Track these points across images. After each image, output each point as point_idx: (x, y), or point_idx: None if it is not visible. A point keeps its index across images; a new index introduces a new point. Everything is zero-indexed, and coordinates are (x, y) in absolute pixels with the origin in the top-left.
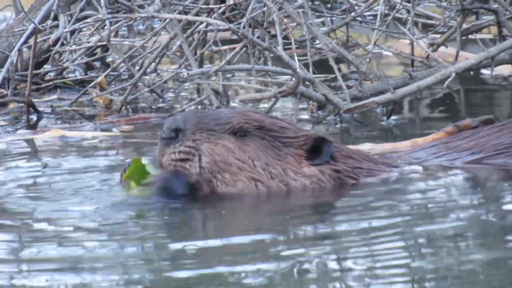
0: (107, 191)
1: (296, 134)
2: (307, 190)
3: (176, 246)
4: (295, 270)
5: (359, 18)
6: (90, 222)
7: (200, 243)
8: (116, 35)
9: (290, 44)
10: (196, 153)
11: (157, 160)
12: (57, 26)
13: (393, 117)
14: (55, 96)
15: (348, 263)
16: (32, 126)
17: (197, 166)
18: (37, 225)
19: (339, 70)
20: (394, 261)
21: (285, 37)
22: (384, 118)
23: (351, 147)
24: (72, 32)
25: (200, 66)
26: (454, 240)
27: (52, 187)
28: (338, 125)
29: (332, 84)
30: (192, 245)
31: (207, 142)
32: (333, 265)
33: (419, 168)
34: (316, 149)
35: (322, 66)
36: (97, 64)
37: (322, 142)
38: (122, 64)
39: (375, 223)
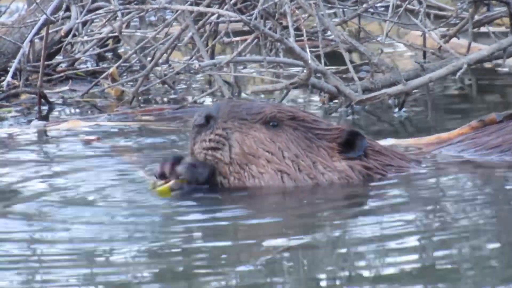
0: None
1: (330, 127)
2: (333, 184)
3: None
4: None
5: (371, 10)
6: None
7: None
8: (127, 26)
9: (302, 35)
10: (226, 143)
11: (189, 147)
12: (69, 17)
13: (404, 109)
14: (66, 87)
15: (367, 261)
16: (44, 117)
17: (227, 156)
18: (59, 221)
19: (351, 61)
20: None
21: (297, 29)
22: (396, 109)
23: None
24: (84, 23)
25: (212, 57)
26: (483, 237)
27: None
28: (349, 117)
29: (344, 75)
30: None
31: (238, 132)
32: (350, 260)
33: (450, 165)
34: (349, 143)
35: (333, 57)
36: (109, 55)
37: (355, 136)
38: (134, 55)
39: (400, 219)
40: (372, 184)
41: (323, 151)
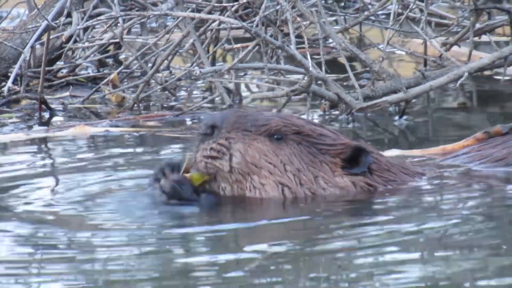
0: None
1: (335, 142)
2: (332, 197)
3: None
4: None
5: (372, 17)
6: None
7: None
8: (129, 33)
9: (303, 42)
10: (227, 152)
11: (193, 154)
12: (70, 23)
13: (405, 117)
14: (67, 93)
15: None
16: (45, 123)
17: (227, 165)
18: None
19: (353, 67)
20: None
21: (298, 36)
22: (397, 117)
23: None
24: (85, 29)
25: (213, 64)
26: (485, 251)
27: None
28: (350, 124)
29: (345, 83)
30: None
31: (241, 142)
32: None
33: (454, 179)
34: (353, 159)
35: (334, 65)
36: (110, 61)
37: (360, 152)
38: (135, 62)
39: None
40: (372, 198)
41: (326, 166)
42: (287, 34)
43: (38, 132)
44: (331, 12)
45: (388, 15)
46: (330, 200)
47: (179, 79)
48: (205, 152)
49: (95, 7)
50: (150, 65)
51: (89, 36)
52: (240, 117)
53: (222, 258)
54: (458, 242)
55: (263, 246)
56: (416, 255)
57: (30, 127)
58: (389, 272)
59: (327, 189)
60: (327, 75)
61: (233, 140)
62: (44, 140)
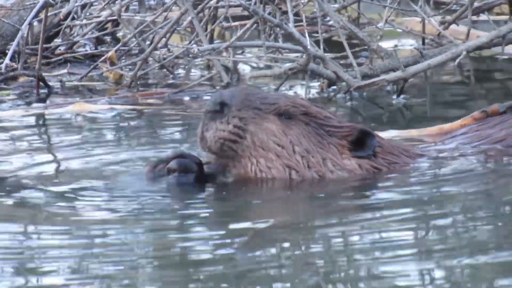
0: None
1: (341, 124)
2: (335, 180)
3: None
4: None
5: None
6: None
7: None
8: (127, 10)
9: (301, 21)
10: (243, 135)
11: (197, 133)
12: (68, 0)
13: (403, 95)
14: (65, 71)
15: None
16: (42, 100)
17: (243, 148)
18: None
19: (352, 46)
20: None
21: (296, 14)
22: (394, 96)
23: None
24: (83, 6)
25: (211, 42)
26: (485, 232)
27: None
28: (348, 103)
29: (343, 61)
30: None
31: (254, 123)
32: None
33: (454, 160)
34: (359, 142)
35: (333, 43)
36: (108, 38)
37: (366, 135)
38: (133, 39)
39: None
40: (377, 179)
41: (334, 148)
42: (285, 12)
43: (37, 109)
44: None
45: None
46: (338, 182)
47: (177, 57)
48: (222, 133)
49: None
50: (148, 42)
51: (87, 14)
52: (249, 94)
53: (226, 241)
54: (457, 220)
55: (270, 228)
56: (417, 234)
57: (28, 104)
58: (392, 250)
59: (335, 172)
60: (325, 54)
61: (245, 120)
62: (42, 117)
